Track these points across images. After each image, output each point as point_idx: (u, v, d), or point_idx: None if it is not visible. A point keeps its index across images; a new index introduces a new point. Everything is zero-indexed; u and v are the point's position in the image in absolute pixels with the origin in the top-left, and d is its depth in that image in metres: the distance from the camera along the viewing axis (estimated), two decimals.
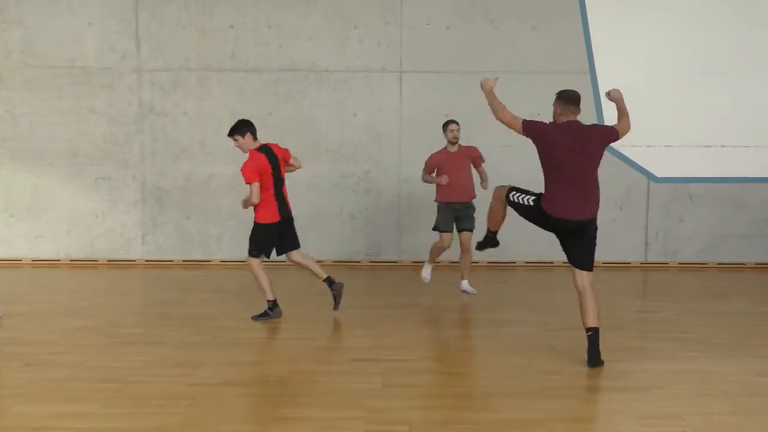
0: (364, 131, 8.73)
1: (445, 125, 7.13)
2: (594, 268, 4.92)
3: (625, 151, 8.75)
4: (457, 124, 7.10)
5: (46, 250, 8.80)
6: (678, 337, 5.57)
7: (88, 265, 8.74)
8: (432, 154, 7.17)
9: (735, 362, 4.96)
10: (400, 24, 8.64)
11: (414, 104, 8.70)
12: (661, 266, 8.86)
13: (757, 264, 8.87)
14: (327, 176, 8.76)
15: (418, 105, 8.70)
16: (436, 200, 7.13)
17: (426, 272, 7.26)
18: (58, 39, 8.60)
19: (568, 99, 4.78)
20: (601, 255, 8.70)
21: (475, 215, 7.00)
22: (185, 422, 3.81)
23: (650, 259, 8.91)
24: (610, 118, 8.70)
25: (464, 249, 7.01)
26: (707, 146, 8.70)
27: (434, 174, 7.09)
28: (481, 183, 7.14)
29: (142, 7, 8.60)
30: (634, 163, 8.75)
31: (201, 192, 8.77)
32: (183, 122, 8.72)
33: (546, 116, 8.63)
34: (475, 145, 7.27)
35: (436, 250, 7.10)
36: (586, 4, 8.60)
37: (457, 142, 7.07)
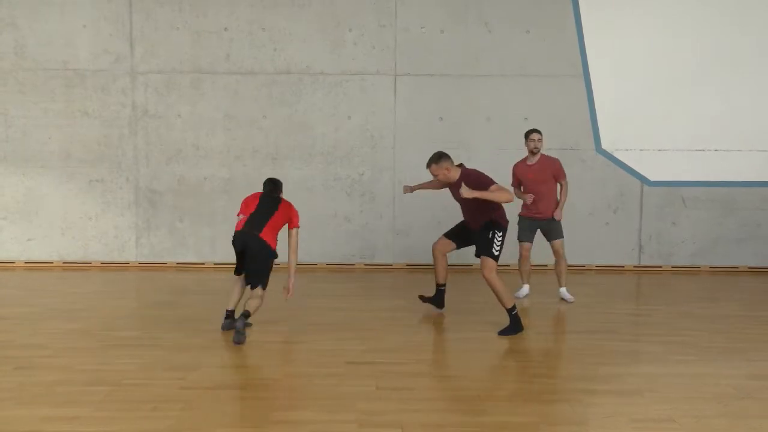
0: (359, 134, 8.73)
1: (527, 134, 6.93)
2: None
3: (619, 155, 8.79)
4: (539, 133, 6.88)
5: (39, 253, 8.77)
6: (671, 341, 5.59)
7: (81, 267, 8.71)
8: (513, 165, 7.08)
9: (727, 365, 4.98)
10: (394, 27, 8.65)
11: (408, 107, 8.71)
12: (655, 270, 8.89)
13: (749, 268, 8.91)
14: (321, 179, 8.76)
15: (413, 108, 8.71)
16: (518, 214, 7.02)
17: (522, 290, 7.15)
18: (51, 41, 8.58)
19: (449, 156, 5.77)
20: (594, 258, 8.87)
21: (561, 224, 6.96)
22: (178, 426, 3.80)
23: (644, 263, 8.93)
24: (603, 121, 8.80)
25: (558, 256, 6.97)
26: (700, 150, 8.74)
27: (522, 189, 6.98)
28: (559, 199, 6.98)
29: (136, 9, 8.58)
30: (628, 167, 8.78)
31: (194, 194, 8.76)
32: (177, 125, 8.70)
33: (535, 120, 8.66)
34: (556, 158, 7.11)
35: (521, 262, 7.11)
36: (580, 8, 8.63)
37: (538, 153, 6.88)
